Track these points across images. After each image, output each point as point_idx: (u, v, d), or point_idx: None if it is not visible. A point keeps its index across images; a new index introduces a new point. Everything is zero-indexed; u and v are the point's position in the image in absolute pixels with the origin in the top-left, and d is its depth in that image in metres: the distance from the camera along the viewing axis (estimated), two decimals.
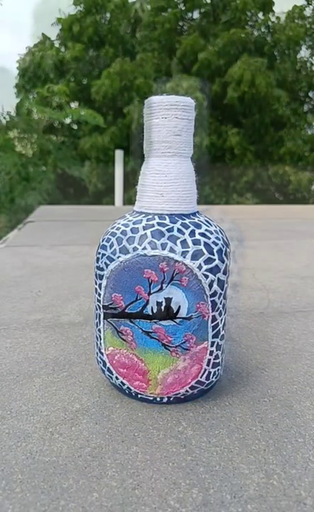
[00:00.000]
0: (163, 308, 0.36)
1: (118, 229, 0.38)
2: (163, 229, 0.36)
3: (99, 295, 0.38)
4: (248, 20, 6.13)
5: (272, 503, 0.28)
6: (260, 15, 6.18)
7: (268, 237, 1.38)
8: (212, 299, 0.36)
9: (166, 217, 0.37)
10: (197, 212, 0.40)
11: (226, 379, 0.45)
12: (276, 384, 0.44)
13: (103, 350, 0.39)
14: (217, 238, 0.37)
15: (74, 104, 6.02)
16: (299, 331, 0.58)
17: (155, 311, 0.36)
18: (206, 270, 0.35)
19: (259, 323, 0.61)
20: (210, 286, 0.36)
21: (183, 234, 0.36)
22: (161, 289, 0.36)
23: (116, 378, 0.39)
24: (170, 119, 0.36)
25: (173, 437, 0.35)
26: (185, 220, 0.37)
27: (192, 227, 0.37)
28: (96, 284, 0.39)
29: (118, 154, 3.05)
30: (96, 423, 0.37)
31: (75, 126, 6.26)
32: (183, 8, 6.21)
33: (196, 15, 6.42)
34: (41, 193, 2.76)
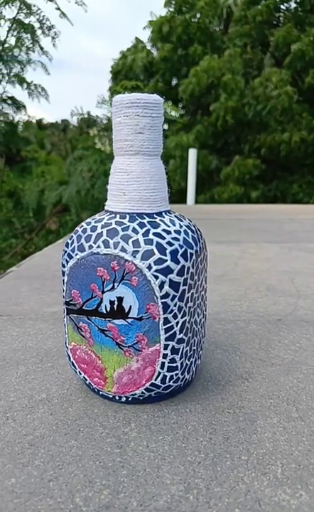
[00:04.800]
0: (115, 307, 0.36)
1: (81, 227, 0.39)
2: (119, 228, 0.36)
3: (63, 290, 0.39)
4: None
5: None
6: None
7: None
8: (163, 300, 0.35)
9: (127, 216, 0.37)
10: (166, 211, 0.39)
11: (201, 385, 0.43)
12: (251, 396, 0.41)
13: (67, 345, 0.41)
14: (174, 239, 0.36)
15: None
16: (309, 342, 0.53)
17: (108, 309, 0.36)
18: (156, 271, 0.35)
19: (269, 331, 0.57)
20: (160, 287, 0.35)
21: (137, 233, 0.35)
22: (113, 287, 0.36)
23: (79, 373, 0.40)
24: (131, 117, 0.36)
25: (115, 437, 0.35)
26: (144, 219, 0.37)
27: (147, 227, 0.36)
28: (61, 279, 0.40)
29: (192, 153, 3.05)
30: (52, 414, 0.38)
31: (166, 126, 6.37)
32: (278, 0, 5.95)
33: (293, 5, 6.11)
34: None
